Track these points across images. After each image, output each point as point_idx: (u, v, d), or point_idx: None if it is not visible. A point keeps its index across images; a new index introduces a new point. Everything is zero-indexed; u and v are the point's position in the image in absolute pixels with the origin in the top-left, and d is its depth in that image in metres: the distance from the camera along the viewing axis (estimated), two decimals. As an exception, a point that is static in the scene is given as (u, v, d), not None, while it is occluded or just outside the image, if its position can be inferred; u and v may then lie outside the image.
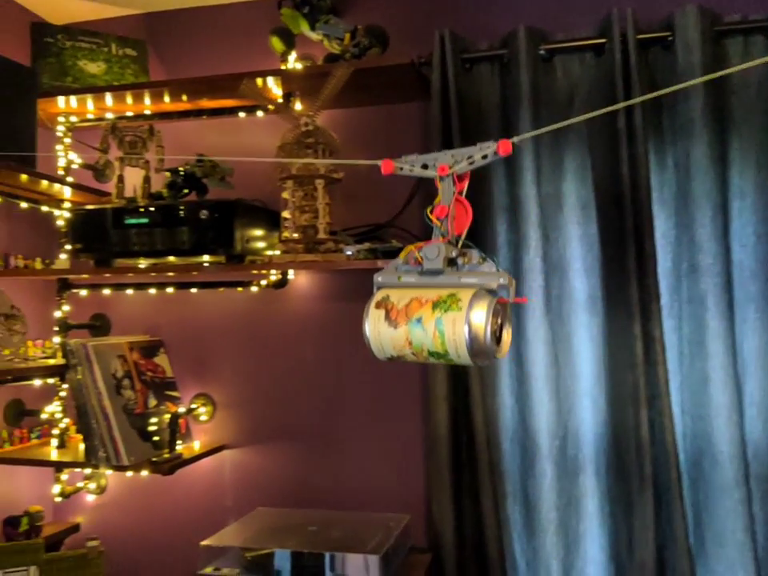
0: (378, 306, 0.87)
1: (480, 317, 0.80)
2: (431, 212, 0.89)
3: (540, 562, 1.64)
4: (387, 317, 0.85)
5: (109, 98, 1.84)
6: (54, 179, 1.75)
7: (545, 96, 1.66)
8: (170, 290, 1.95)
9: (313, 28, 1.76)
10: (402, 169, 0.91)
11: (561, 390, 1.64)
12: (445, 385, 1.64)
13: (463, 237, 0.88)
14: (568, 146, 1.67)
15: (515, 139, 0.84)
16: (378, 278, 0.91)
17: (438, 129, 1.65)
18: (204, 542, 1.56)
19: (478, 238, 1.68)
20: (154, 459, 1.70)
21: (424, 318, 0.82)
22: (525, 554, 1.68)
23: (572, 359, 1.65)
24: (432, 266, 0.86)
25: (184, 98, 1.84)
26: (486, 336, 0.80)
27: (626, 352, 1.55)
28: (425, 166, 0.90)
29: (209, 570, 1.54)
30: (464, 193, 0.87)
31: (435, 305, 0.82)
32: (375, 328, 0.86)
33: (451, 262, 0.87)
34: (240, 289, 1.93)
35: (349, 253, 1.66)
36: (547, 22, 1.70)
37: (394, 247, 1.58)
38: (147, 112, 1.92)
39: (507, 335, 0.86)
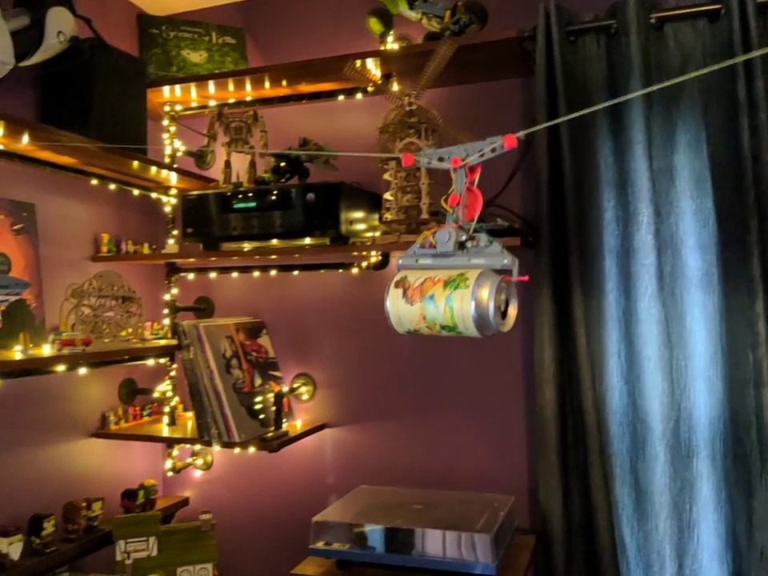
0: (396, 285, 0.98)
1: (485, 293, 0.89)
2: (445, 200, 0.97)
3: (651, 546, 1.61)
4: (405, 295, 0.96)
5: (211, 86, 1.89)
6: (163, 166, 1.81)
7: (656, 66, 1.59)
8: (273, 272, 1.99)
9: (412, 7, 1.75)
10: (420, 161, 1.00)
11: (674, 371, 1.59)
12: (552, 366, 1.62)
13: (474, 222, 0.96)
14: (680, 117, 1.60)
15: (520, 134, 0.92)
16: (400, 261, 1.01)
17: (543, 104, 1.61)
18: (316, 518, 1.60)
19: (583, 214, 1.64)
20: (264, 436, 1.75)
21: (436, 295, 0.92)
22: (635, 537, 1.64)
23: (686, 339, 1.59)
24: (444, 249, 0.96)
25: (284, 83, 1.87)
26: (490, 311, 0.89)
27: (746, 331, 1.49)
28: (441, 159, 0.98)
29: (320, 544, 1.58)
30: (476, 183, 0.96)
31: (446, 283, 0.92)
32: (394, 305, 0.97)
33: (461, 246, 0.96)
34: (340, 270, 1.96)
35: (451, 233, 1.65)
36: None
37: (500, 226, 1.56)
38: (248, 98, 1.96)
39: (513, 310, 0.96)
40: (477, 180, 0.96)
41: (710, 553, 1.60)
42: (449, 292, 0.91)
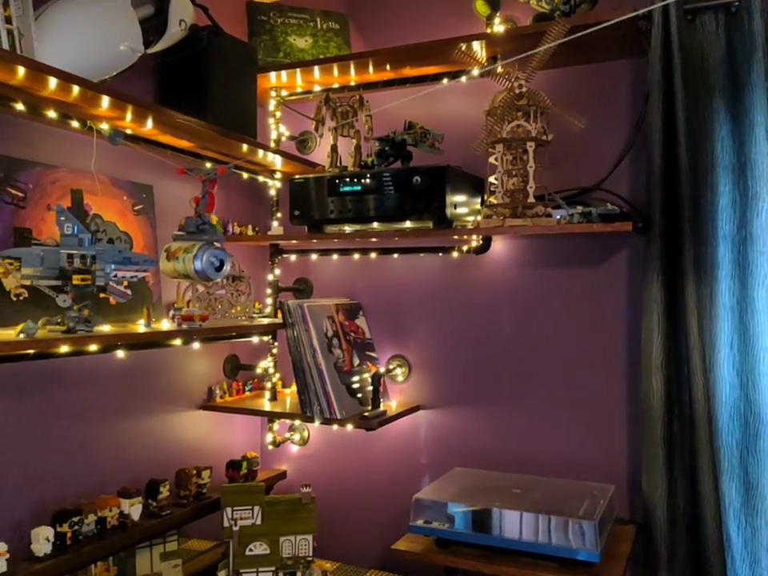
0: (165, 251, 1.57)
1: (200, 256, 1.51)
2: (193, 200, 1.58)
3: (760, 542, 1.56)
4: (167, 257, 1.56)
5: (316, 71, 1.93)
6: (274, 150, 1.86)
7: (781, 45, 1.53)
8: (373, 255, 2.03)
9: (521, -12, 1.74)
10: (188, 173, 1.58)
11: (792, 364, 1.53)
12: (661, 355, 1.59)
13: (212, 215, 1.59)
14: (806, 99, 1.53)
15: (229, 165, 1.66)
16: (173, 234, 1.59)
17: (659, 86, 1.57)
18: (417, 495, 1.63)
19: (696, 200, 1.59)
20: (364, 414, 1.79)
21: (179, 257, 1.54)
22: (742, 532, 1.60)
23: (806, 331, 1.53)
24: (189, 230, 1.57)
25: (388, 67, 1.88)
26: (202, 266, 1.51)
27: None
28: (198, 173, 1.58)
29: (420, 522, 1.61)
30: (215, 190, 1.59)
31: (185, 250, 1.53)
32: (163, 263, 1.57)
33: (198, 228, 1.57)
34: (440, 254, 1.97)
35: (558, 217, 1.64)
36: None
37: (611, 211, 1.53)
38: (351, 83, 1.99)
39: (228, 266, 1.57)
40: (215, 189, 1.59)
41: (824, 553, 1.54)
42: (185, 255, 1.52)
